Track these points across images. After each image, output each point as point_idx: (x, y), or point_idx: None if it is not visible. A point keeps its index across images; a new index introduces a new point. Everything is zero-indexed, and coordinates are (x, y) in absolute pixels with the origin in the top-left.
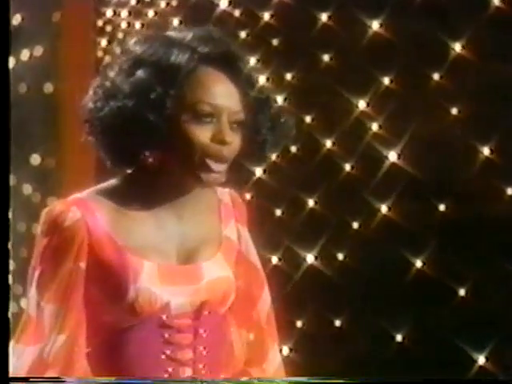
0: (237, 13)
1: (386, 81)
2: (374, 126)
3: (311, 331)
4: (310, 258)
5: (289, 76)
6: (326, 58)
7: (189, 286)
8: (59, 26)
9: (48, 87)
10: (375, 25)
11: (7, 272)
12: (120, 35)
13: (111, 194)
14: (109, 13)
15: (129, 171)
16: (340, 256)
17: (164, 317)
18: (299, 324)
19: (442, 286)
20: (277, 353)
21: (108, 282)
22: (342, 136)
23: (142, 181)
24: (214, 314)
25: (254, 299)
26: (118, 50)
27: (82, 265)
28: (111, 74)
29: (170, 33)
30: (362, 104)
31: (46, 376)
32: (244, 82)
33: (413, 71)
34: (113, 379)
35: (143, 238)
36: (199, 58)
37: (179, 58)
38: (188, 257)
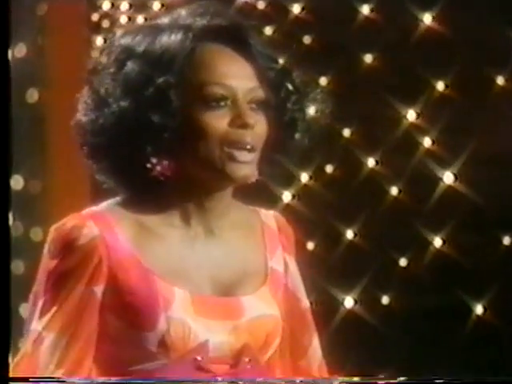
0: (261, 5)
1: (441, 86)
2: (426, 141)
3: None
4: (348, 302)
5: (323, 80)
6: (368, 58)
7: (227, 320)
8: (46, 21)
9: (32, 94)
10: (427, 18)
11: (8, 271)
12: (119, 32)
13: (129, 208)
14: (105, 5)
15: (139, 185)
16: (384, 300)
17: (199, 358)
18: (335, 383)
19: (506, 335)
20: None
21: (132, 311)
22: (388, 153)
23: (156, 193)
24: (255, 362)
25: (303, 346)
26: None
27: (98, 290)
28: (97, 78)
29: (160, 19)
30: (411, 114)
31: (46, 376)
32: (254, 54)
33: (472, 74)
34: (113, 379)
35: (170, 261)
36: (195, 36)
37: (171, 39)
38: (225, 288)
